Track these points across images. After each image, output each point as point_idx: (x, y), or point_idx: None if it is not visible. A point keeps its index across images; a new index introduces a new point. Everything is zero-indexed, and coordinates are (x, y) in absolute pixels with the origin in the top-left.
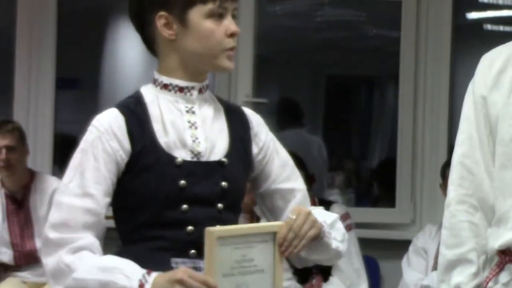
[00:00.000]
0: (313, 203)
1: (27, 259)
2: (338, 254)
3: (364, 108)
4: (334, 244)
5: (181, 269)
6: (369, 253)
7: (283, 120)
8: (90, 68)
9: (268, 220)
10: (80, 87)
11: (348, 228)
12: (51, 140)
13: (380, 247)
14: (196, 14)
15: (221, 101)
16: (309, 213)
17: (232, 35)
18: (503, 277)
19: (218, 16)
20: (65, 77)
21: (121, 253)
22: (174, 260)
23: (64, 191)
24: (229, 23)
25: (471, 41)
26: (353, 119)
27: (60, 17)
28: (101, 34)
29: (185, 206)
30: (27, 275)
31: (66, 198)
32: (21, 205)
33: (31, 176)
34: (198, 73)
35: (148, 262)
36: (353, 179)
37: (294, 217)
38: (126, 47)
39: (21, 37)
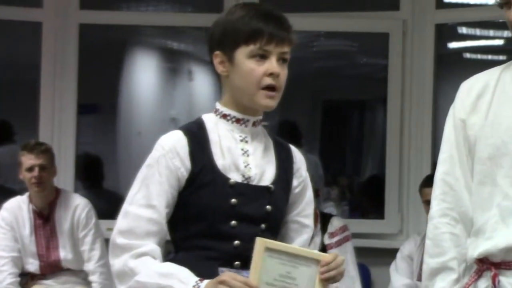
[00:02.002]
0: (316, 216)
1: (51, 268)
2: None
3: (356, 129)
4: None
5: (226, 272)
6: (361, 261)
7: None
8: (109, 95)
9: None
10: (100, 112)
11: (346, 239)
12: (73, 160)
13: (371, 255)
14: (241, 54)
15: (271, 135)
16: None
17: (270, 74)
18: (482, 283)
19: (260, 57)
20: (86, 103)
21: (173, 260)
22: (220, 269)
23: (131, 202)
24: (270, 64)
25: (452, 69)
26: (347, 139)
27: (81, 49)
28: (119, 64)
29: (234, 222)
30: (51, 283)
31: (132, 208)
32: (47, 219)
33: (57, 193)
34: (249, 108)
35: (198, 269)
36: (346, 193)
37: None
38: (142, 76)
39: (46, 67)
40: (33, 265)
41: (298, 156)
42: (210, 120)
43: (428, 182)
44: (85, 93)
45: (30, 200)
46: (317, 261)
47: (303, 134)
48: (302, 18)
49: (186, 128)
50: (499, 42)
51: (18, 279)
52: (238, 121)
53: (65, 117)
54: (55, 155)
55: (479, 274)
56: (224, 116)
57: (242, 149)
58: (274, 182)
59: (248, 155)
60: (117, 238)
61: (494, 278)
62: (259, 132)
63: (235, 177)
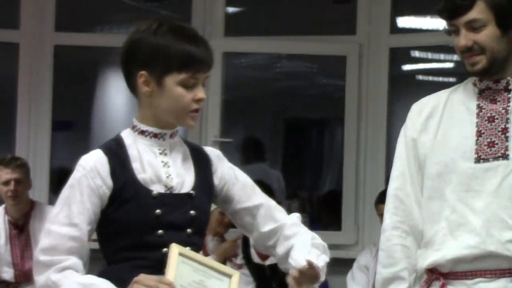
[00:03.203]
0: None
1: (26, 277)
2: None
3: (315, 146)
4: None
5: (141, 274)
6: None
7: (247, 156)
8: (82, 112)
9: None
10: (73, 129)
11: None
12: (47, 174)
13: (328, 265)
14: (171, 80)
15: (186, 142)
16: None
17: (198, 100)
18: None
19: (189, 84)
20: (60, 120)
21: (105, 271)
22: None
23: (53, 221)
24: (198, 91)
25: (405, 90)
26: (307, 155)
27: (56, 68)
28: (92, 83)
29: (160, 231)
30: None
31: (55, 227)
32: (22, 230)
33: (32, 205)
34: (168, 124)
35: (130, 278)
36: (307, 206)
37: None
38: (114, 95)
39: (22, 85)
40: (8, 274)
41: (213, 155)
42: (129, 137)
43: (382, 198)
44: (59, 111)
45: (6, 211)
46: (229, 276)
47: (266, 150)
48: (265, 41)
49: (106, 146)
50: (450, 65)
51: None
52: (155, 136)
53: (40, 133)
54: (30, 169)
55: (428, 284)
56: (142, 132)
57: (162, 161)
58: (194, 188)
59: (168, 166)
60: (40, 256)
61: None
62: (177, 142)
63: (157, 188)
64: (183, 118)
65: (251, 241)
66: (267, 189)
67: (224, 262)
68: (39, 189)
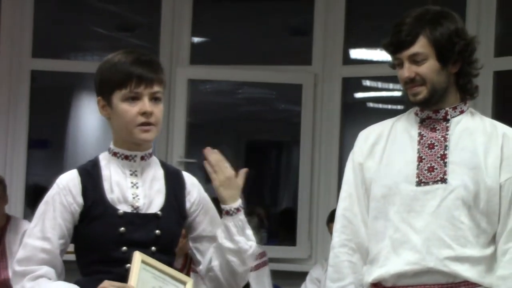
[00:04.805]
0: None
1: (1, 286)
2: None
3: (273, 167)
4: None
5: (105, 281)
6: (275, 282)
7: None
8: (57, 132)
9: (195, 258)
10: (49, 148)
11: (264, 263)
12: (23, 190)
13: (284, 277)
14: (116, 98)
15: (164, 165)
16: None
17: (143, 113)
18: None
19: (132, 99)
20: (36, 138)
21: (78, 282)
22: None
23: (29, 234)
24: (142, 105)
25: (357, 116)
26: (266, 175)
27: (33, 91)
28: (67, 105)
29: (124, 248)
30: None
31: (30, 240)
32: None
33: (7, 219)
34: (134, 145)
35: None
36: (264, 223)
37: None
38: (87, 116)
39: (1, 107)
40: None
41: (189, 181)
42: (104, 158)
43: (333, 217)
44: (35, 130)
45: None
46: (183, 283)
47: None
48: (228, 69)
49: (82, 167)
50: (398, 93)
51: None
52: (126, 157)
53: (17, 151)
54: (7, 186)
55: None
56: (115, 154)
57: (132, 182)
58: (162, 209)
59: (137, 187)
60: (16, 267)
61: None
62: (150, 164)
63: (124, 208)
64: (133, 133)
65: None
66: None
67: (185, 263)
68: (15, 204)
